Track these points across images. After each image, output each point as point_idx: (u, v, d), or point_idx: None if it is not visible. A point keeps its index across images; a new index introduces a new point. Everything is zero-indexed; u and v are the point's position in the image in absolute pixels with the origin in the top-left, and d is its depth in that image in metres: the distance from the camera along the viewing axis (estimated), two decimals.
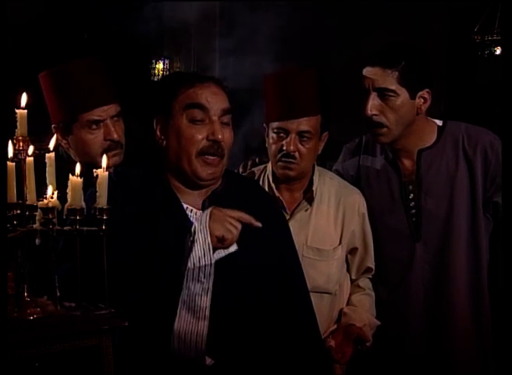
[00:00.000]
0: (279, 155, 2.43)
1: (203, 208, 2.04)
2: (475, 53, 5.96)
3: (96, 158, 2.24)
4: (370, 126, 2.47)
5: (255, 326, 2.02)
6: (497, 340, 2.50)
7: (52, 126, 2.39)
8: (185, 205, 2.04)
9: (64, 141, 2.37)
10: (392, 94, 2.42)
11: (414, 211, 2.54)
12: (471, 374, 2.55)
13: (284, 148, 2.41)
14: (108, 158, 2.29)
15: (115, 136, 2.35)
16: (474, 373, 2.55)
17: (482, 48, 5.88)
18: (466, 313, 2.53)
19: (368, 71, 2.44)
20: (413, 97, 2.45)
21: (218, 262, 1.94)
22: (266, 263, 2.06)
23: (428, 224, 2.52)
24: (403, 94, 2.43)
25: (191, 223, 1.99)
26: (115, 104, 2.38)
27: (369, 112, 2.43)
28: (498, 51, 5.78)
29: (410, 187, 2.55)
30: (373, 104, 2.43)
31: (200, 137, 2.00)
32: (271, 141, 2.46)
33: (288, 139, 2.40)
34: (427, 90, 2.48)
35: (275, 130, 2.43)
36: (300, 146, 2.41)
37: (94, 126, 2.33)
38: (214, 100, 2.02)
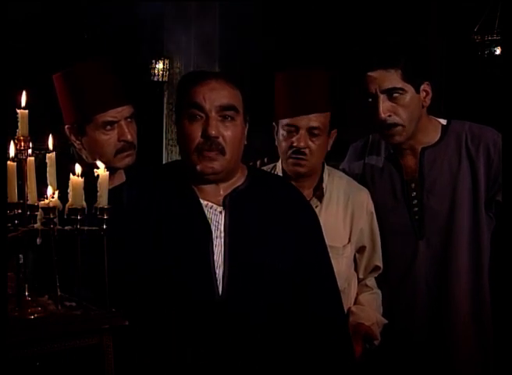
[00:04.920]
0: (290, 151, 2.44)
1: (223, 205, 2.06)
2: (475, 53, 5.96)
3: (109, 158, 2.27)
4: (384, 129, 2.47)
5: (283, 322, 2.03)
6: (497, 336, 2.50)
7: (66, 126, 2.39)
8: (204, 202, 2.06)
9: (77, 142, 2.38)
10: (400, 92, 2.43)
11: (416, 209, 2.55)
12: (472, 370, 2.55)
13: (295, 144, 2.42)
14: (122, 159, 2.34)
15: (129, 137, 2.37)
16: (475, 369, 2.55)
17: (482, 48, 5.88)
18: (468, 309, 2.53)
19: (370, 76, 2.44)
20: (418, 91, 2.47)
21: (239, 268, 1.99)
22: (286, 265, 2.05)
23: (431, 222, 2.53)
24: (410, 90, 2.44)
25: (206, 219, 2.02)
26: (129, 105, 2.39)
27: (383, 115, 2.43)
28: (498, 51, 5.79)
29: (413, 185, 2.56)
30: (384, 106, 2.43)
31: (196, 134, 2.01)
32: (281, 138, 2.48)
33: (298, 135, 2.42)
34: (426, 82, 2.49)
35: (286, 127, 2.45)
36: (310, 142, 2.43)
37: (109, 127, 2.34)
38: (211, 96, 2.01)
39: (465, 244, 2.52)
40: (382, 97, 2.43)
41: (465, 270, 2.52)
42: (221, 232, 2.02)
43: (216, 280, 1.98)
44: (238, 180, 2.11)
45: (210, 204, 2.06)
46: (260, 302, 2.00)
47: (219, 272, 1.99)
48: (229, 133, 2.02)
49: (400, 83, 2.42)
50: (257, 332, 2.00)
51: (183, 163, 2.09)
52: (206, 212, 2.04)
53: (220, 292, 1.97)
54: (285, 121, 2.45)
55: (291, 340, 2.04)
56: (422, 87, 2.48)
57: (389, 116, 2.44)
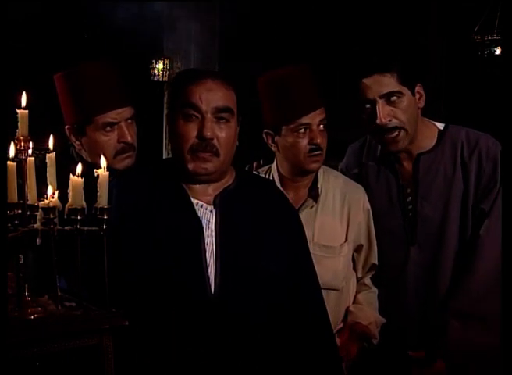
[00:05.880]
0: (308, 149, 2.42)
1: (214, 205, 2.06)
2: (475, 53, 5.97)
3: (109, 159, 2.24)
4: (385, 134, 2.45)
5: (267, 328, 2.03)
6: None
7: (66, 127, 2.40)
8: (195, 201, 2.06)
9: (77, 143, 2.39)
10: (398, 95, 2.41)
11: (411, 214, 2.54)
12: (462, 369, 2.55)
13: (313, 141, 2.41)
14: (121, 161, 2.34)
15: (129, 138, 2.37)
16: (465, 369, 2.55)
17: (482, 48, 5.89)
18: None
19: (366, 82, 2.42)
20: (413, 93, 2.46)
21: (231, 267, 1.99)
22: (279, 266, 2.06)
23: (424, 229, 2.52)
24: (407, 92, 2.43)
25: (198, 217, 2.02)
26: (130, 107, 2.40)
27: (383, 120, 2.41)
28: (498, 51, 5.79)
29: (408, 191, 2.55)
30: (384, 111, 2.41)
31: (191, 135, 2.01)
32: (291, 140, 2.44)
33: (313, 132, 2.41)
34: (419, 84, 2.48)
35: (296, 128, 2.42)
36: (321, 138, 2.43)
37: (109, 128, 2.35)
38: (208, 97, 2.01)
39: (454, 251, 2.50)
40: (380, 102, 2.41)
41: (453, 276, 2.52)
42: (212, 231, 2.03)
43: (208, 279, 1.98)
44: (228, 180, 2.11)
45: (200, 203, 2.06)
46: (253, 301, 2.00)
47: (211, 271, 1.99)
48: (223, 134, 2.02)
49: (397, 87, 2.41)
50: (251, 332, 2.00)
51: (174, 162, 2.09)
52: (197, 210, 2.05)
53: (213, 290, 1.98)
54: (295, 122, 2.41)
55: (283, 340, 2.04)
56: (416, 89, 2.46)
57: (390, 120, 2.42)
